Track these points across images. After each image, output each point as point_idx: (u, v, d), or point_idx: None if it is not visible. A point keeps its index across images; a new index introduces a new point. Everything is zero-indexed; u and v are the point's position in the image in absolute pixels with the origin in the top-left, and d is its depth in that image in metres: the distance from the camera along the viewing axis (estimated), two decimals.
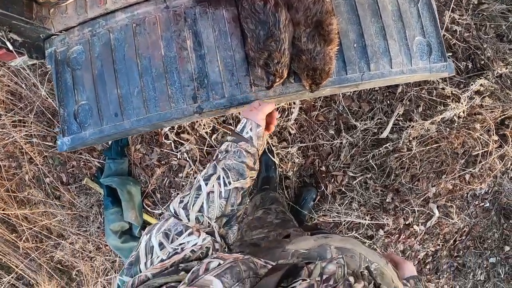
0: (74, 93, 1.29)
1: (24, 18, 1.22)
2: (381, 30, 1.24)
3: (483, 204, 2.21)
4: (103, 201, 2.00)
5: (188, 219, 0.71)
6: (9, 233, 2.11)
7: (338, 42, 1.15)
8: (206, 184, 0.77)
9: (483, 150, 1.98)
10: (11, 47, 1.22)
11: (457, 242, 2.23)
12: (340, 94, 1.89)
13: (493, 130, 1.94)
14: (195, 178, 0.86)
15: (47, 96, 1.88)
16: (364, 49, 1.21)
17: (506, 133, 2.00)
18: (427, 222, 2.10)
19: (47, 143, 2.02)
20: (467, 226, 2.21)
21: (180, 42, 1.20)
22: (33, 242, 2.14)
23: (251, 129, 0.90)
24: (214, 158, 0.86)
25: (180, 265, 0.55)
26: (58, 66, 1.31)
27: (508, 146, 1.99)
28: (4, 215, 2.08)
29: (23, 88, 1.92)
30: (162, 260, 0.57)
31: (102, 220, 2.08)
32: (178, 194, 0.90)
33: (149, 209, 2.06)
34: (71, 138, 1.29)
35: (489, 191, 2.19)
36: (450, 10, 1.82)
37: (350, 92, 1.92)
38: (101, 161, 2.03)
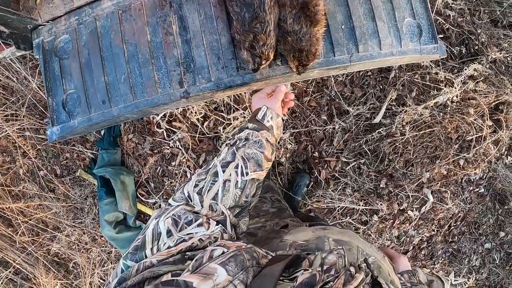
0: (62, 82, 1.28)
1: (10, 9, 1.20)
2: (370, 12, 1.22)
3: (477, 189, 2.21)
4: (97, 192, 2.00)
5: (202, 206, 0.68)
6: (5, 227, 2.12)
7: (325, 24, 1.13)
8: (224, 172, 0.74)
9: (477, 135, 1.97)
10: None
11: (452, 228, 2.23)
12: (332, 79, 1.88)
13: (487, 115, 1.93)
14: (209, 163, 0.82)
15: (38, 89, 1.87)
16: (352, 31, 1.20)
17: (500, 118, 1.99)
18: (422, 208, 2.10)
19: (40, 136, 2.02)
20: (462, 212, 2.21)
21: (166, 27, 1.18)
22: (29, 235, 2.14)
23: (271, 118, 0.89)
24: (232, 143, 0.83)
25: (187, 253, 0.53)
26: (46, 56, 1.30)
27: (502, 131, 1.98)
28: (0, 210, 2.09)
29: (14, 82, 1.91)
30: (169, 247, 0.56)
31: (97, 211, 2.08)
32: (193, 174, 0.87)
33: (143, 198, 2.06)
34: (60, 128, 1.28)
35: (484, 176, 2.19)
36: None
37: (342, 77, 1.91)
38: (94, 152, 2.02)
